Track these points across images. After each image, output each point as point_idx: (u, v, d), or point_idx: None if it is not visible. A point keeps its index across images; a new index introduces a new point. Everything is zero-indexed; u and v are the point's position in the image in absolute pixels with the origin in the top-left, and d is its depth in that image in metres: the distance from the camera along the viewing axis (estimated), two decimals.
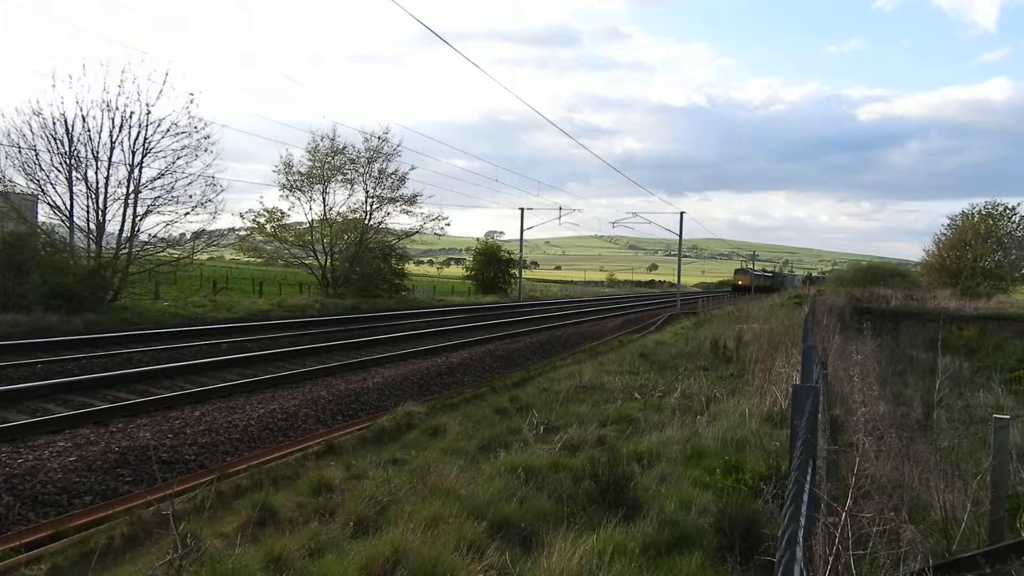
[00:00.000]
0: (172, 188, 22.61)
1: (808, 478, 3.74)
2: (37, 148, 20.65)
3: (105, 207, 21.77)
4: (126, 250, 22.29)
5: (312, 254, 35.22)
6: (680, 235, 48.42)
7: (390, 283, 36.96)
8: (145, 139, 21.80)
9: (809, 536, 3.61)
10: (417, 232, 38.21)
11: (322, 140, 34.65)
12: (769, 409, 8.83)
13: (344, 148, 34.97)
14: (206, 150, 23.00)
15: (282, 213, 34.96)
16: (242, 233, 35.91)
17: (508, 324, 25.01)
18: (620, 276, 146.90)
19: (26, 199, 21.60)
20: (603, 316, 33.29)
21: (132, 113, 21.41)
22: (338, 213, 35.52)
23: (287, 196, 34.61)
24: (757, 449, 6.92)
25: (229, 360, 13.43)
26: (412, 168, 49.28)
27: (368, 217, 35.94)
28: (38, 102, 20.97)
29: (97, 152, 21.33)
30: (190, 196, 22.93)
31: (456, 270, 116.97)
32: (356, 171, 35.51)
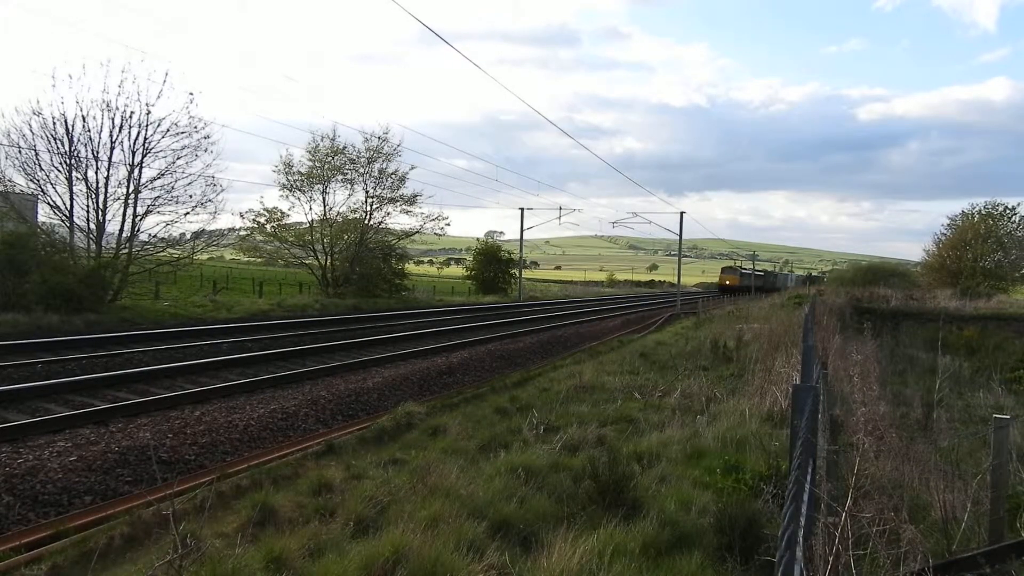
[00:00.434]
0: (172, 188, 22.66)
1: (808, 478, 3.74)
2: (37, 148, 20.69)
3: (105, 207, 21.81)
4: (126, 250, 22.30)
5: (312, 254, 35.23)
6: (680, 235, 48.43)
7: (390, 283, 36.97)
8: (145, 139, 21.84)
9: (809, 536, 3.61)
10: (417, 232, 38.25)
11: (322, 140, 34.73)
12: (769, 409, 8.83)
13: (344, 148, 35.02)
14: (206, 150, 23.05)
15: (282, 213, 35.03)
16: (242, 233, 35.94)
17: (508, 324, 25.01)
18: (620, 276, 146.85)
19: (26, 199, 21.60)
20: (603, 316, 33.29)
21: (132, 113, 21.46)
22: (338, 213, 35.59)
23: (287, 196, 34.70)
24: (757, 449, 6.92)
25: (229, 360, 13.43)
26: (412, 168, 49.36)
27: (368, 217, 35.98)
28: (38, 102, 20.98)
29: (97, 152, 21.36)
30: (190, 196, 22.99)
31: (456, 270, 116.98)
32: (356, 171, 35.57)
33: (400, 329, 21.27)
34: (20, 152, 20.59)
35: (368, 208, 35.92)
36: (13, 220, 20.58)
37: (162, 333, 16.54)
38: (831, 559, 3.32)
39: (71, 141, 20.92)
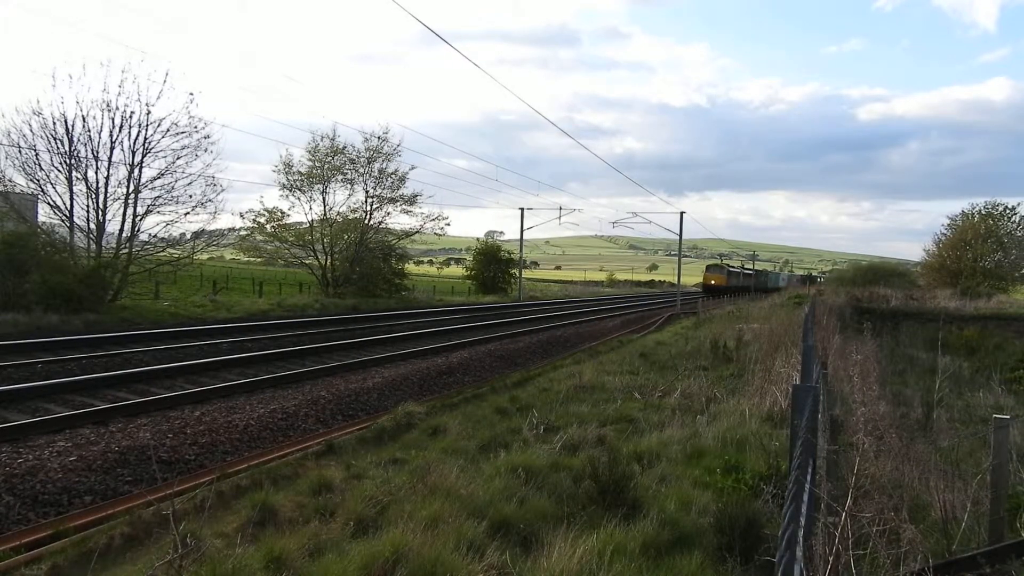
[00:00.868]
0: (172, 188, 22.66)
1: (808, 478, 3.74)
2: (37, 148, 20.69)
3: (105, 207, 21.80)
4: (126, 250, 22.29)
5: (312, 254, 35.22)
6: (680, 235, 48.42)
7: (390, 283, 36.97)
8: (145, 139, 21.83)
9: (809, 536, 3.61)
10: (417, 232, 38.23)
11: (322, 140, 34.71)
12: (769, 409, 8.83)
13: (344, 148, 35.01)
14: (206, 150, 23.05)
15: (282, 213, 35.02)
16: (242, 233, 35.92)
17: (508, 324, 25.01)
18: (620, 276, 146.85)
19: (26, 199, 21.60)
20: (603, 316, 33.29)
21: (132, 113, 21.45)
22: (338, 213, 35.58)
23: (287, 196, 34.68)
24: (757, 449, 6.92)
25: (229, 360, 13.42)
26: (412, 168, 49.37)
27: (368, 217, 35.96)
28: (38, 102, 21.03)
29: (97, 152, 21.36)
30: (190, 196, 22.98)
31: (456, 270, 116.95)
32: (356, 171, 35.55)
33: (400, 329, 21.27)
34: (20, 152, 20.61)
35: (368, 208, 35.96)
36: (13, 220, 20.58)
37: (162, 333, 16.54)
38: (831, 559, 3.32)
39: (71, 141, 20.93)
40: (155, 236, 23.25)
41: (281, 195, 34.94)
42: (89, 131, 21.07)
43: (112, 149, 21.46)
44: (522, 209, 48.62)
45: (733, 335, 18.14)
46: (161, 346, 14.69)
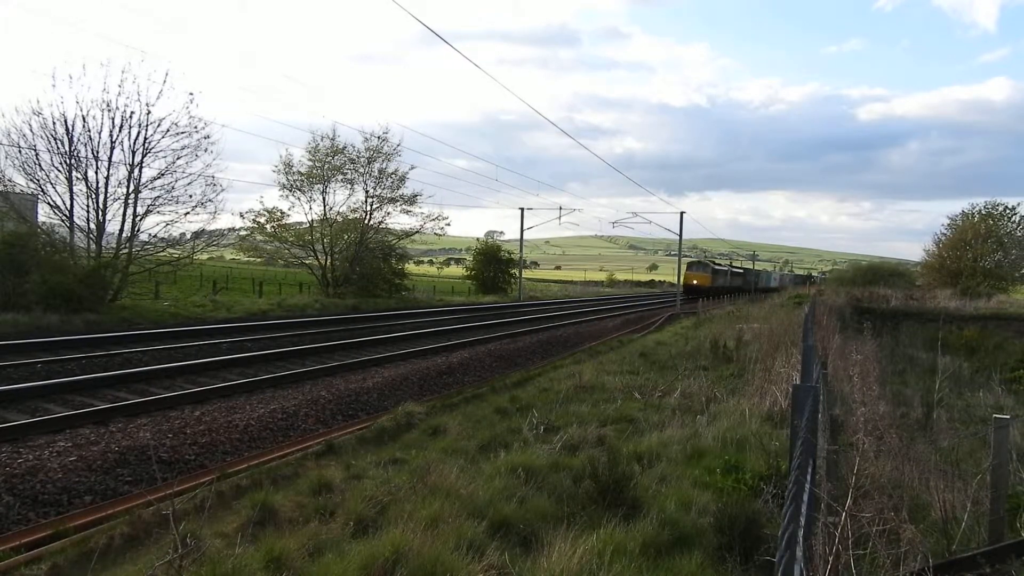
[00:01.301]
0: (172, 188, 22.64)
1: (808, 478, 3.74)
2: (37, 148, 20.67)
3: (105, 207, 21.79)
4: (126, 250, 22.28)
5: (312, 254, 35.23)
6: (680, 235, 48.41)
7: (390, 283, 36.98)
8: (145, 139, 21.81)
9: (809, 536, 3.61)
10: (417, 232, 38.24)
11: (322, 140, 34.72)
12: (769, 409, 8.83)
13: (344, 148, 35.01)
14: (206, 150, 23.03)
15: (282, 213, 35.03)
16: (242, 233, 35.93)
17: (508, 324, 25.01)
18: (620, 276, 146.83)
19: (26, 199, 21.59)
20: (603, 316, 33.29)
21: (132, 113, 21.43)
22: (338, 213, 35.59)
23: (287, 196, 34.70)
24: (757, 449, 6.92)
25: (229, 360, 13.42)
26: (412, 168, 49.37)
27: (368, 217, 35.97)
28: (38, 102, 21.01)
29: (97, 152, 21.34)
30: (190, 196, 22.96)
31: (456, 270, 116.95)
32: (356, 171, 35.56)
33: (400, 329, 21.27)
34: (20, 152, 20.59)
35: (368, 208, 35.97)
36: (13, 220, 20.57)
37: (162, 333, 16.54)
38: (831, 559, 3.32)
39: (71, 141, 20.92)
40: (155, 236, 23.26)
41: (281, 195, 35.00)
42: (89, 131, 21.09)
43: (112, 149, 21.47)
44: (522, 209, 48.65)
45: (733, 335, 18.14)
46: (161, 346, 14.69)
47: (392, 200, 36.58)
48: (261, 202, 54.10)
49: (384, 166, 35.96)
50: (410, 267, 43.30)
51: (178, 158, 22.53)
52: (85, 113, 20.90)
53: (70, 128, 20.83)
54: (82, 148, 21.11)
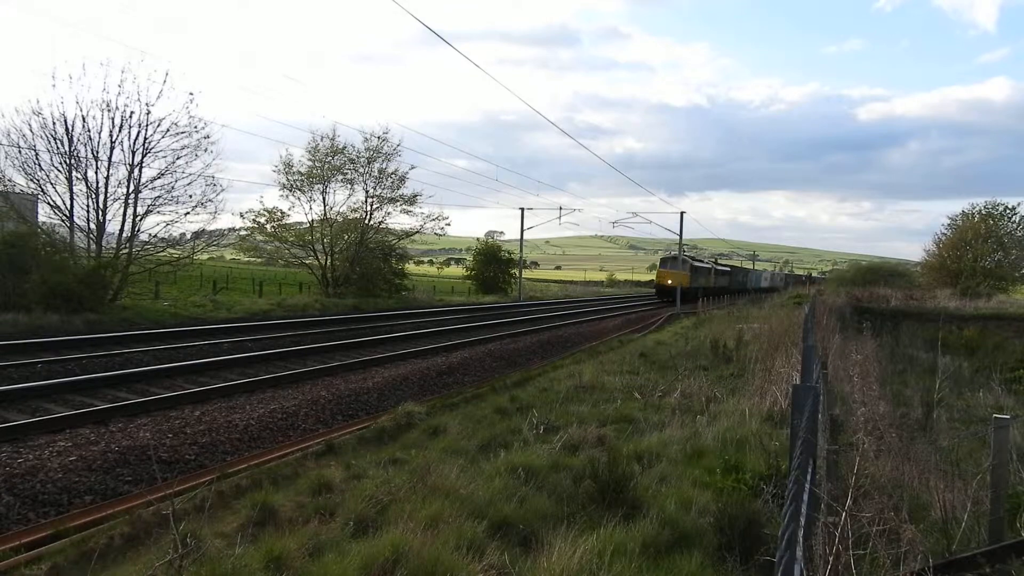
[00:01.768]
0: (172, 188, 22.64)
1: (808, 478, 3.74)
2: (37, 148, 20.68)
3: (105, 207, 21.79)
4: (126, 250, 22.28)
5: (312, 254, 35.23)
6: (680, 235, 48.39)
7: (390, 283, 36.98)
8: (145, 139, 21.82)
9: (809, 536, 3.61)
10: (417, 232, 38.24)
11: (322, 140, 34.70)
12: (769, 409, 8.84)
13: (344, 148, 35.00)
14: (206, 150, 23.03)
15: (282, 213, 35.03)
16: (242, 233, 35.94)
17: (508, 324, 25.00)
18: (620, 276, 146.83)
19: (26, 199, 21.60)
20: (603, 316, 33.29)
21: (132, 113, 21.43)
22: (338, 213, 35.58)
23: (287, 196, 34.68)
24: (757, 449, 6.92)
25: (229, 360, 13.43)
26: (412, 168, 49.38)
27: (368, 217, 35.97)
28: (38, 102, 20.96)
29: (97, 152, 21.34)
30: (190, 196, 22.96)
31: (456, 270, 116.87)
32: (356, 171, 35.55)
33: (400, 329, 21.27)
34: (20, 152, 20.60)
35: (368, 208, 35.97)
36: (13, 220, 20.57)
37: (162, 333, 16.55)
38: (831, 559, 3.32)
39: (71, 141, 20.92)
40: (155, 236, 23.25)
41: (281, 195, 34.98)
42: (89, 131, 21.09)
43: (112, 149, 21.47)
44: (522, 209, 48.63)
45: (733, 335, 18.14)
46: (161, 346, 14.69)
47: (392, 200, 36.61)
48: (261, 202, 54.10)
49: (384, 166, 36.01)
50: (410, 267, 43.31)
51: (178, 158, 22.57)
52: (85, 113, 20.94)
53: (70, 128, 20.86)
54: (82, 148, 21.14)
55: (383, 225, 37.12)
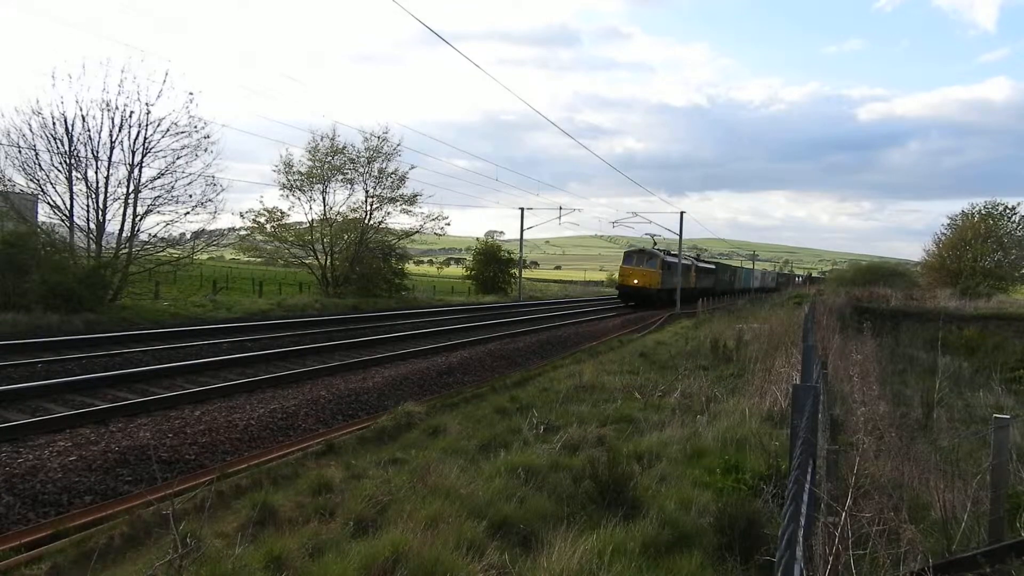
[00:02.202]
0: (172, 188, 22.63)
1: (808, 478, 3.74)
2: (37, 148, 20.67)
3: (105, 207, 21.78)
4: (126, 250, 22.28)
5: (312, 254, 35.22)
6: (680, 235, 48.32)
7: (390, 283, 36.97)
8: (145, 139, 21.81)
9: (809, 536, 3.61)
10: (417, 232, 38.23)
11: (322, 140, 34.70)
12: (769, 409, 8.84)
13: (344, 148, 34.99)
14: (206, 150, 23.02)
15: (282, 213, 35.03)
16: (242, 233, 35.94)
17: (508, 324, 25.00)
18: None
19: (26, 199, 21.59)
20: (603, 316, 33.28)
21: (132, 113, 21.41)
22: (338, 213, 35.57)
23: (287, 196, 34.68)
24: (757, 449, 6.92)
25: (229, 360, 13.42)
26: (412, 168, 49.37)
27: (368, 217, 35.96)
28: (38, 102, 20.95)
29: (97, 152, 21.33)
30: (190, 196, 22.95)
31: (456, 270, 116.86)
32: (356, 171, 35.54)
33: (400, 329, 21.27)
34: (20, 152, 20.59)
35: (368, 208, 35.96)
36: (13, 220, 20.56)
37: (162, 333, 16.54)
38: (831, 559, 3.32)
39: (71, 141, 20.90)
40: (155, 236, 23.24)
41: (281, 195, 35.00)
42: (89, 131, 21.07)
43: (112, 149, 21.45)
44: (522, 209, 48.61)
45: (733, 335, 18.14)
46: (161, 346, 14.69)
47: (392, 200, 36.60)
48: (261, 202, 54.07)
49: (384, 166, 36.00)
50: (410, 267, 43.29)
51: (178, 158, 22.56)
52: (85, 113, 20.91)
53: (70, 128, 20.83)
54: (82, 148, 21.12)
55: (383, 225, 37.13)
